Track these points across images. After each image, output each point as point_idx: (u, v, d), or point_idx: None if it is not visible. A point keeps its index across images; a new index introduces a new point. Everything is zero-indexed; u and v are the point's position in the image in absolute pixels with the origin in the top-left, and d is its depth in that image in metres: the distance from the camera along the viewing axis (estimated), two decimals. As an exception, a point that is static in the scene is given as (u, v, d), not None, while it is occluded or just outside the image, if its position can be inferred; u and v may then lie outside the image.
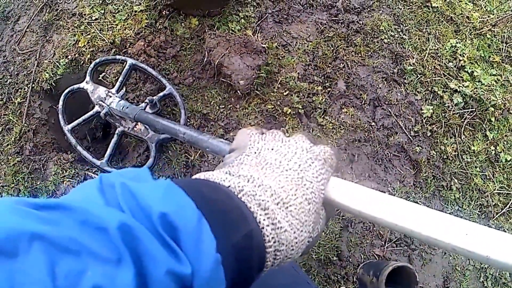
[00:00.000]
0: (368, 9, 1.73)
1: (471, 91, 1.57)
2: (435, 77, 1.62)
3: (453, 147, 1.54)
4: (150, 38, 1.55)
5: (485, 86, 1.62)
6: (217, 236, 0.29)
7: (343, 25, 1.68)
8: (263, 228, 0.34)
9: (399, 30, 1.70)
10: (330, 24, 1.68)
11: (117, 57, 1.49)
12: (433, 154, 1.52)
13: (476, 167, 1.55)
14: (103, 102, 1.37)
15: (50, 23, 1.69)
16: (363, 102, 1.54)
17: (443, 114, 1.57)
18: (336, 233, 1.37)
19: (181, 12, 1.59)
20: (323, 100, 1.51)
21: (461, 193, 1.51)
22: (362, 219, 1.40)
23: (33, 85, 1.56)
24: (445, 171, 1.51)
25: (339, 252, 1.36)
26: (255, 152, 0.44)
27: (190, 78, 1.52)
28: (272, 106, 1.47)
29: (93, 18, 1.63)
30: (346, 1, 1.73)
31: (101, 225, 0.24)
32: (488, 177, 1.55)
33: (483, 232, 0.34)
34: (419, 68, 1.62)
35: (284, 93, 1.49)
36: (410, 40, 1.69)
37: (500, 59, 1.73)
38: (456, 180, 1.51)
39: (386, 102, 1.56)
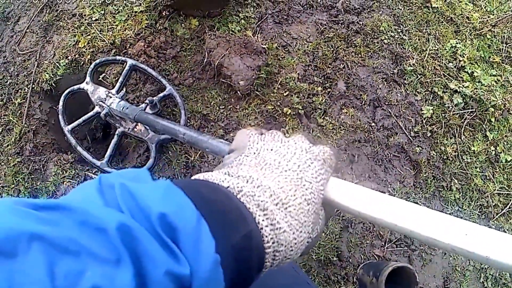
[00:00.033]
0: (368, 10, 1.73)
1: (471, 92, 1.57)
2: (435, 77, 1.62)
3: (453, 148, 1.54)
4: (150, 38, 1.55)
5: (485, 86, 1.62)
6: (216, 236, 0.29)
7: (343, 25, 1.68)
8: (262, 228, 0.34)
9: (399, 30, 1.70)
10: (330, 25, 1.68)
11: (117, 57, 1.49)
12: (433, 154, 1.52)
13: (476, 168, 1.54)
14: (103, 102, 1.37)
15: (50, 24, 1.69)
16: (363, 103, 1.54)
17: (443, 115, 1.57)
18: (336, 233, 1.37)
19: (181, 13, 1.59)
20: (323, 100, 1.51)
21: (461, 193, 1.51)
22: (362, 220, 1.40)
23: (33, 86, 1.56)
24: (445, 171, 1.51)
25: (339, 252, 1.35)
26: (254, 153, 0.44)
27: (190, 78, 1.52)
28: (272, 107, 1.47)
29: (93, 18, 1.63)
30: (346, 2, 1.73)
31: (100, 226, 0.24)
32: (488, 178, 1.55)
33: (483, 233, 0.34)
34: (419, 68, 1.62)
35: (284, 94, 1.49)
36: (410, 40, 1.69)
37: (500, 59, 1.73)
38: (456, 181, 1.51)
39: (386, 103, 1.56)
